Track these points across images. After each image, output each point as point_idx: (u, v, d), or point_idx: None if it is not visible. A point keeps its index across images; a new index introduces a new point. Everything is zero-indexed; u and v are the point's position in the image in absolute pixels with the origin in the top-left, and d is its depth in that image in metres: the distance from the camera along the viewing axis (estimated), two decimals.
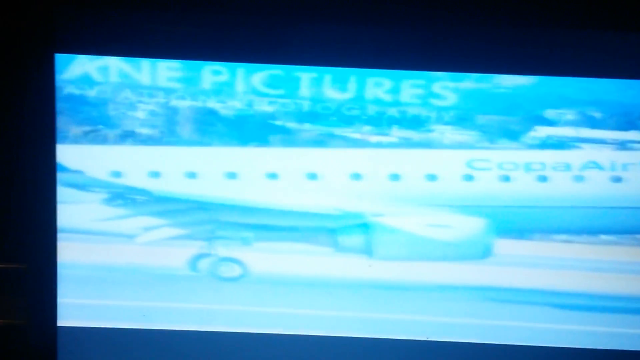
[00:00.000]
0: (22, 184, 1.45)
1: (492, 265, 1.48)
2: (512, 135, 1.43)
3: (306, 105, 1.42)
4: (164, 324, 1.53)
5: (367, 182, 1.44)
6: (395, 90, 1.41)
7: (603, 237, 1.47)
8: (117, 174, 1.45)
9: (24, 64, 1.39)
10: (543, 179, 1.44)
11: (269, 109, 1.42)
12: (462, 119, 1.42)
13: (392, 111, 1.42)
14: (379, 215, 1.46)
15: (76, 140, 1.43)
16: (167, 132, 1.43)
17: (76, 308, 1.52)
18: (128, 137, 1.43)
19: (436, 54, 1.40)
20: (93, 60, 1.40)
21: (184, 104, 1.42)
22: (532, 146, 1.43)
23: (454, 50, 1.39)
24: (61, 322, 1.52)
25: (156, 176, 1.45)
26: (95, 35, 1.38)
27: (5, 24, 1.41)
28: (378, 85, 1.41)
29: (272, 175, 1.45)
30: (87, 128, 1.43)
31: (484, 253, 1.47)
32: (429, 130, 1.43)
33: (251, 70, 1.41)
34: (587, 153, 1.43)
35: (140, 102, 1.42)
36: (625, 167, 1.43)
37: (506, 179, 1.44)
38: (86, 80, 1.41)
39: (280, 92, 1.42)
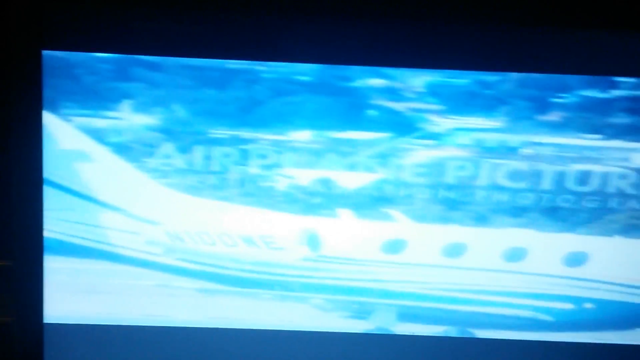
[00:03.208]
0: (8, 181, 1.45)
1: None
2: None
3: None
4: (151, 321, 1.58)
5: None
6: None
7: None
8: None
9: (11, 61, 1.39)
10: None
11: None
12: None
13: None
14: None
15: None
16: None
17: (63, 305, 1.55)
18: None
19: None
20: None
21: None
22: None
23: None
24: (47, 319, 1.55)
25: None
26: (84, 32, 1.39)
27: None
28: None
29: None
30: None
31: None
32: None
33: None
34: None
35: None
36: None
37: None
38: None
39: None
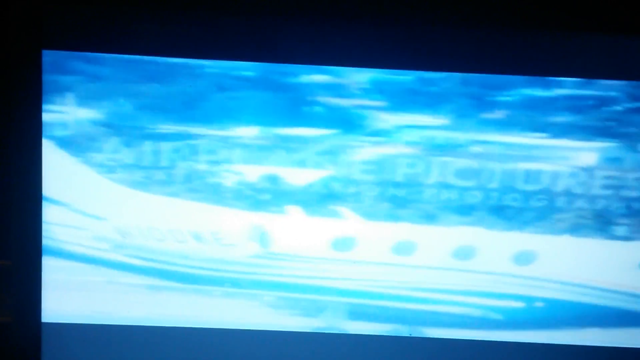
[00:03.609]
0: (8, 181, 1.46)
1: None
2: None
3: None
4: (148, 321, 1.57)
5: None
6: None
7: None
8: None
9: (11, 60, 1.40)
10: None
11: None
12: None
13: None
14: None
15: None
16: None
17: (61, 305, 1.55)
18: None
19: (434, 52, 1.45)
20: None
21: None
22: None
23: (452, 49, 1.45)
24: (45, 319, 1.55)
25: None
26: (83, 32, 1.40)
27: None
28: None
29: None
30: None
31: None
32: None
33: None
34: None
35: None
36: None
37: None
38: None
39: None
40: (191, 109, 1.43)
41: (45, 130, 1.44)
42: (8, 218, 1.48)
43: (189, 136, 1.45)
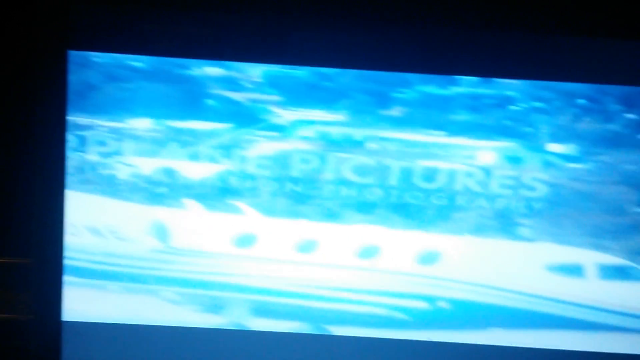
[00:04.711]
0: (30, 179, 1.46)
1: None
2: None
3: None
4: (168, 321, 1.56)
5: None
6: None
7: None
8: None
9: (37, 60, 1.40)
10: None
11: None
12: None
13: None
14: None
15: None
16: None
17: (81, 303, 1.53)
18: None
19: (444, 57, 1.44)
20: None
21: None
22: None
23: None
24: (66, 317, 1.54)
25: None
26: (108, 33, 1.40)
27: (20, 21, 1.43)
28: None
29: None
30: None
31: None
32: None
33: None
34: None
35: None
36: None
37: None
38: None
39: None
40: (81, 99, 1.40)
41: None
42: (29, 216, 1.48)
43: (79, 127, 1.42)
